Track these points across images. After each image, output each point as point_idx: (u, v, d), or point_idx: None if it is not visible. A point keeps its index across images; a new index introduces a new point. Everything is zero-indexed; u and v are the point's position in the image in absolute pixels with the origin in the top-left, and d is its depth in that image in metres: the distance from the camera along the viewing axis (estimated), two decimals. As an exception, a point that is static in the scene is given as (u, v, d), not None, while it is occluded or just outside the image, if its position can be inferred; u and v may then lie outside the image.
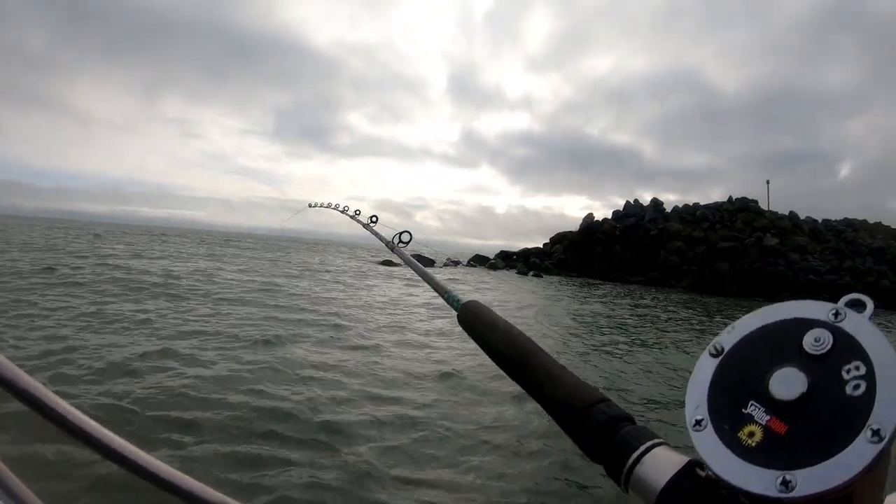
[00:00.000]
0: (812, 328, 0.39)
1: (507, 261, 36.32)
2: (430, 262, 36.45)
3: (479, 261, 36.18)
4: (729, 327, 0.44)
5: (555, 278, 32.35)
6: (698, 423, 0.41)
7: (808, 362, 0.38)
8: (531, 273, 32.85)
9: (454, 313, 0.80)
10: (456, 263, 37.19)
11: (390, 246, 1.52)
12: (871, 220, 45.44)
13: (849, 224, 42.50)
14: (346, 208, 2.44)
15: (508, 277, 30.00)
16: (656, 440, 0.43)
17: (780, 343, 0.40)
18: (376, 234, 1.81)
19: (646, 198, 39.76)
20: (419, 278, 1.11)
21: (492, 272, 34.07)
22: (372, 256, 38.81)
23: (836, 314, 0.38)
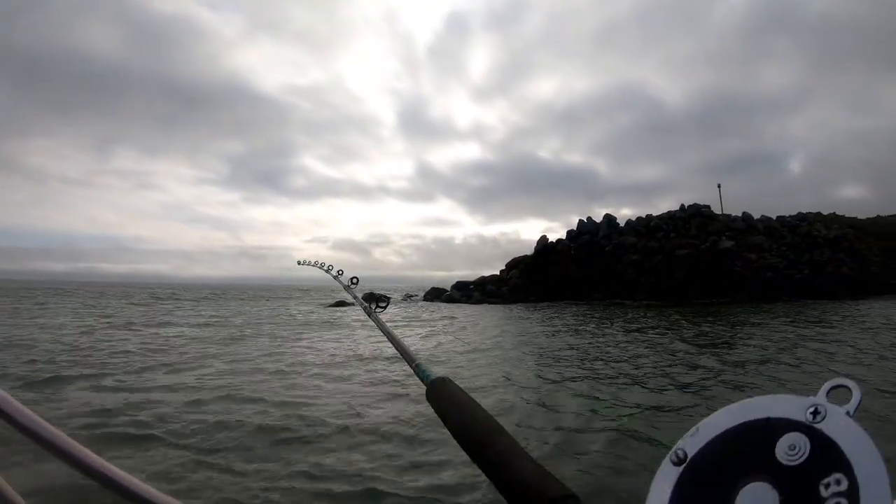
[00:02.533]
0: (787, 432, 0.34)
1: (464, 291, 35.84)
2: (386, 299, 35.86)
3: (434, 294, 35.66)
4: (692, 429, 0.39)
5: (511, 306, 31.83)
6: None
7: (781, 475, 0.33)
8: (486, 302, 32.39)
9: (423, 386, 0.81)
10: (412, 297, 36.64)
11: (367, 311, 1.55)
12: (825, 212, 45.86)
13: (803, 218, 42.79)
14: (331, 267, 2.62)
15: (459, 310, 29.39)
16: None
17: (751, 450, 0.36)
18: (355, 296, 1.87)
19: (605, 214, 39.70)
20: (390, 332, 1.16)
21: (447, 304, 33.53)
22: (324, 299, 38.08)
23: (815, 412, 0.34)
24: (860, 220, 46.94)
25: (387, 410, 5.98)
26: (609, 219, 38.57)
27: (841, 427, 0.33)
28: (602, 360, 10.16)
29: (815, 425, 0.33)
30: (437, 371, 0.82)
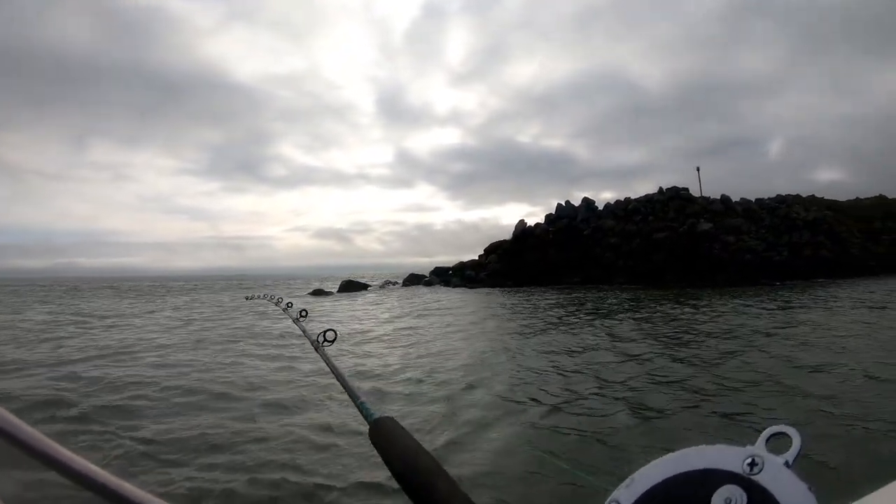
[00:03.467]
0: (723, 484, 0.33)
1: (442, 276, 35.70)
2: (363, 287, 35.75)
3: (413, 280, 35.54)
4: (627, 479, 0.37)
5: (486, 290, 31.71)
6: None
7: None
8: (464, 286, 32.27)
9: (366, 425, 0.80)
10: (393, 284, 36.46)
11: (315, 345, 1.51)
12: (805, 195, 45.92)
13: (782, 200, 42.82)
14: (280, 300, 2.81)
15: (436, 293, 29.30)
16: None
17: (686, 503, 0.34)
18: (303, 330, 1.88)
19: (583, 198, 39.55)
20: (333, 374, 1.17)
21: (424, 289, 33.43)
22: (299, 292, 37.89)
23: (752, 464, 0.32)
24: (840, 202, 47.06)
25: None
26: (588, 202, 38.43)
27: (778, 478, 0.32)
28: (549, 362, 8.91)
29: (753, 477, 0.32)
30: (381, 409, 0.82)
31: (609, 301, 20.59)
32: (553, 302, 20.48)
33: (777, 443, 0.34)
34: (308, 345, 1.61)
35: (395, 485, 0.63)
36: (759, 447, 0.34)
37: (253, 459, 4.29)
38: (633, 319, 13.52)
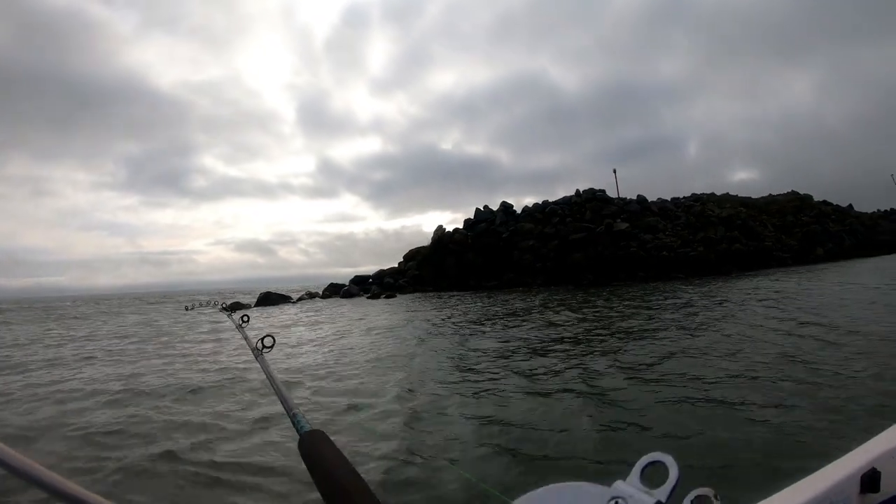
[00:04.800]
0: None
1: (362, 285, 35.43)
2: (286, 299, 35.15)
3: (332, 290, 35.11)
4: None
5: (404, 297, 31.56)
6: None
7: None
8: (384, 296, 32.03)
9: (295, 435, 0.83)
10: (312, 296, 35.95)
11: (255, 353, 1.55)
12: (719, 193, 47.58)
13: (697, 199, 44.24)
14: (224, 304, 5.71)
15: (355, 304, 29.02)
16: None
17: None
18: (245, 336, 1.95)
19: (501, 202, 39.99)
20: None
21: (343, 300, 33.05)
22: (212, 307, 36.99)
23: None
24: (754, 199, 48.90)
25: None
26: (505, 206, 38.89)
27: None
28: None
29: None
30: (312, 423, 0.83)
31: (515, 305, 20.69)
32: (467, 308, 20.41)
33: (654, 473, 0.31)
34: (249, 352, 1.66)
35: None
36: (630, 482, 0.31)
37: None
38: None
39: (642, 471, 0.31)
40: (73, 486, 0.46)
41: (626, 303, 16.45)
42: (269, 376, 1.26)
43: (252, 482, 3.61)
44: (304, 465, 0.73)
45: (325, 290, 36.12)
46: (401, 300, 28.72)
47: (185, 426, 5.05)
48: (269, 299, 34.52)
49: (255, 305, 33.73)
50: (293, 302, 33.83)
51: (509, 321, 13.32)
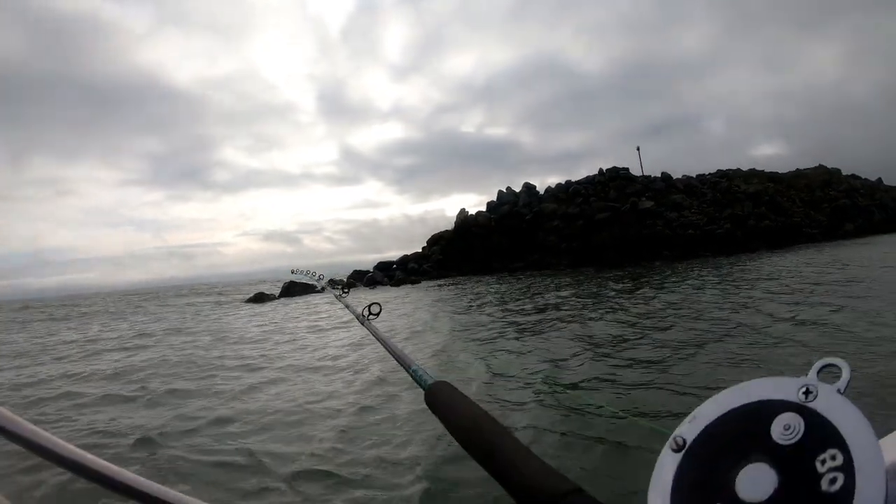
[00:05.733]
0: (781, 412, 0.35)
1: (386, 271, 35.23)
2: (311, 288, 35.03)
3: (356, 276, 34.97)
4: (690, 416, 0.40)
5: (429, 284, 31.25)
6: None
7: (778, 454, 0.34)
8: (407, 282, 31.81)
9: (422, 391, 0.81)
10: (337, 283, 35.80)
11: (360, 319, 1.63)
12: (745, 169, 46.56)
13: (723, 175, 43.34)
14: (322, 276, 3.16)
15: (374, 294, 28.84)
16: None
17: (747, 433, 0.36)
18: (346, 305, 2.09)
19: (524, 183, 39.45)
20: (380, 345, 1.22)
21: (366, 289, 32.87)
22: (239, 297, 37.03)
23: (807, 392, 0.35)
24: (781, 174, 47.81)
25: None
26: (528, 187, 38.35)
27: (833, 405, 0.33)
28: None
29: (808, 405, 0.34)
30: (435, 375, 0.83)
31: (539, 289, 20.38)
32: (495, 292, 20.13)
33: (827, 374, 0.36)
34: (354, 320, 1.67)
35: (457, 448, 0.62)
36: (811, 378, 0.35)
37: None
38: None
39: (818, 372, 0.35)
40: (127, 474, 0.45)
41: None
42: (381, 339, 1.27)
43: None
44: (435, 417, 0.72)
45: (349, 276, 35.96)
46: (426, 289, 28.42)
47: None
48: (294, 290, 34.43)
49: (280, 296, 33.69)
50: (319, 291, 33.66)
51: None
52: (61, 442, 0.44)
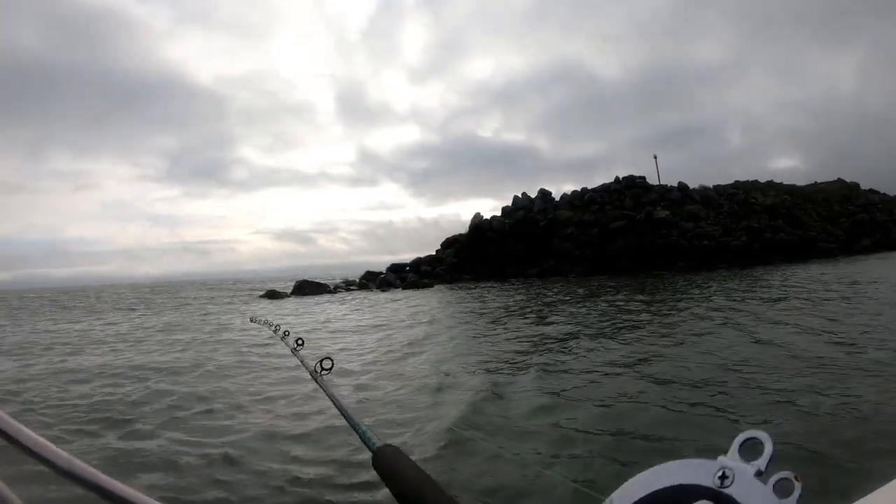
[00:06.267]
0: (697, 500, 0.33)
1: (399, 273, 35.33)
2: (323, 287, 35.20)
3: (368, 277, 35.08)
4: (607, 501, 0.38)
5: (440, 288, 31.21)
6: None
7: None
8: (415, 286, 31.84)
9: (369, 453, 0.80)
10: (349, 285, 35.97)
11: (313, 375, 1.54)
12: (763, 181, 46.23)
13: (740, 186, 43.05)
14: (278, 327, 2.75)
15: (383, 298, 28.90)
16: None
17: None
18: (301, 359, 1.90)
19: (539, 189, 39.42)
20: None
21: (375, 291, 32.96)
22: (249, 293, 37.31)
23: (723, 476, 0.33)
24: (800, 186, 47.41)
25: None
26: (544, 193, 38.33)
27: (749, 490, 0.32)
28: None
29: (724, 490, 0.33)
30: (383, 438, 0.82)
31: (550, 299, 20.26)
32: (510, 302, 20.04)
33: (750, 448, 0.35)
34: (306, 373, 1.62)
35: None
36: (731, 456, 0.34)
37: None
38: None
39: (739, 447, 0.34)
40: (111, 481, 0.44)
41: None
42: (332, 396, 1.25)
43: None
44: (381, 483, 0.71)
45: (362, 277, 36.09)
46: (438, 292, 28.41)
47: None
48: (306, 288, 34.62)
49: (291, 294, 33.91)
50: (331, 291, 33.79)
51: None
52: (58, 449, 0.43)
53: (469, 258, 35.39)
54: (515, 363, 7.48)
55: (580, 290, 20.97)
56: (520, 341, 9.35)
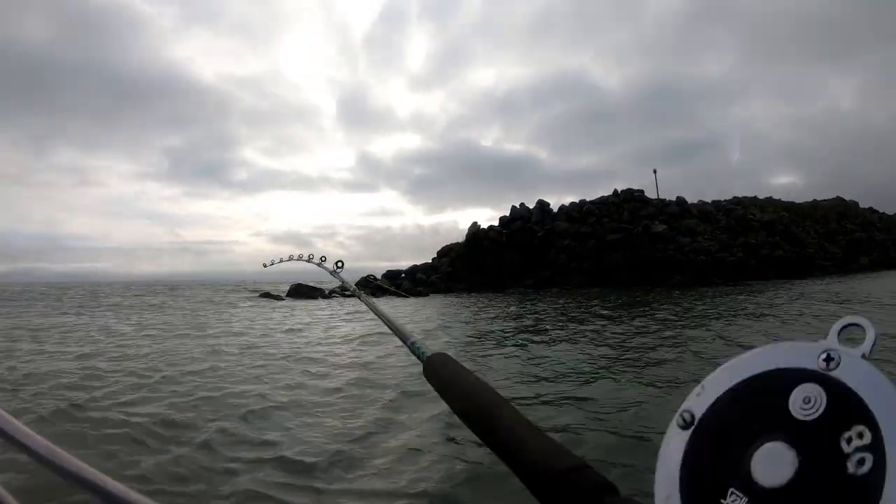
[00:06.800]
0: (799, 383, 0.31)
1: (394, 280, 35.39)
2: (319, 291, 35.25)
3: (363, 283, 35.19)
4: (698, 388, 0.36)
5: (434, 297, 31.21)
6: None
7: (797, 431, 0.30)
8: (406, 294, 31.87)
9: (419, 365, 0.80)
10: (344, 290, 35.95)
11: (356, 293, 1.62)
12: (762, 197, 46.31)
13: (738, 202, 43.12)
14: (311, 256, 2.51)
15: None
16: None
17: (762, 407, 0.32)
18: (343, 281, 1.97)
19: (537, 200, 39.53)
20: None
21: (370, 298, 32.96)
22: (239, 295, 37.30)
23: (828, 359, 0.31)
24: (798, 203, 47.49)
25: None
26: (542, 204, 38.41)
27: (858, 373, 0.29)
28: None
29: (830, 373, 0.30)
30: (433, 347, 0.82)
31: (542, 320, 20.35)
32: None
33: (850, 335, 0.32)
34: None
35: (455, 419, 0.61)
36: (831, 342, 0.31)
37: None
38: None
39: (839, 333, 0.32)
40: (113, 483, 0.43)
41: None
42: (379, 312, 1.24)
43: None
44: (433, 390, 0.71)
45: (357, 283, 36.09)
46: (434, 303, 28.44)
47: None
48: (301, 291, 34.69)
49: (287, 296, 33.95)
50: (326, 296, 33.84)
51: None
52: (56, 448, 0.42)
53: (465, 267, 35.44)
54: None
55: (564, 303, 21.04)
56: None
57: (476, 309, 20.18)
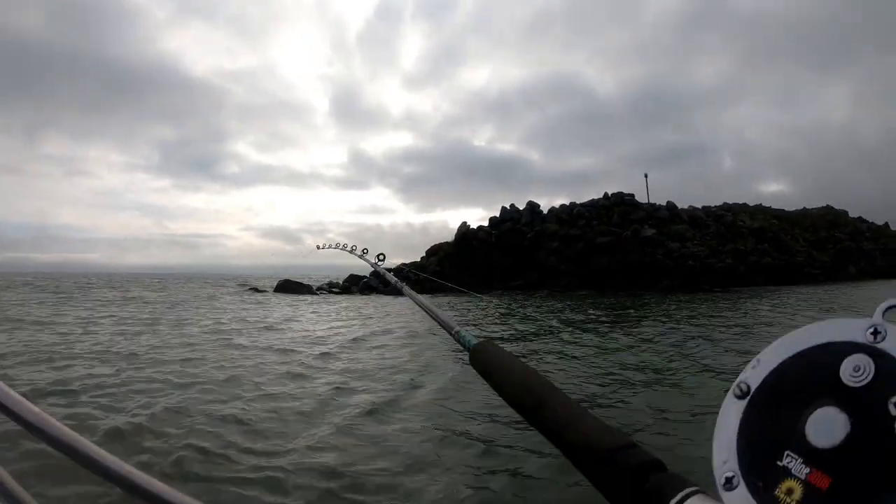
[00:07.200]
0: (849, 354, 0.33)
1: (381, 278, 35.10)
2: (307, 287, 34.95)
3: (352, 281, 34.86)
4: (753, 361, 0.38)
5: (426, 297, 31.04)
6: (728, 481, 0.35)
7: (848, 398, 0.33)
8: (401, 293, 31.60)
9: (465, 352, 0.82)
10: (332, 287, 35.70)
11: (399, 287, 1.67)
12: (752, 204, 46.42)
13: (728, 209, 43.21)
14: (354, 248, 2.81)
15: (363, 304, 28.74)
16: (692, 488, 0.38)
17: (814, 376, 0.35)
18: (384, 273, 2.19)
19: (527, 202, 39.39)
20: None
21: (357, 296, 32.79)
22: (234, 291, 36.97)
23: (875, 332, 0.33)
24: (788, 211, 47.65)
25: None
26: (532, 206, 38.27)
27: None
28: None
29: (877, 345, 0.33)
30: (477, 335, 0.83)
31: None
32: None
33: (893, 317, 0.34)
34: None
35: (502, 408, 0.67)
36: (877, 319, 0.34)
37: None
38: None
39: (884, 313, 0.34)
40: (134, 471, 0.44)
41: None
42: (422, 303, 1.25)
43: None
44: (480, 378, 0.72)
45: (345, 280, 35.88)
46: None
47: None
48: (289, 287, 34.41)
49: (275, 291, 33.68)
50: (313, 292, 33.55)
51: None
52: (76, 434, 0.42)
53: (453, 267, 35.22)
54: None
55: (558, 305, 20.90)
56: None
57: (463, 309, 20.00)
